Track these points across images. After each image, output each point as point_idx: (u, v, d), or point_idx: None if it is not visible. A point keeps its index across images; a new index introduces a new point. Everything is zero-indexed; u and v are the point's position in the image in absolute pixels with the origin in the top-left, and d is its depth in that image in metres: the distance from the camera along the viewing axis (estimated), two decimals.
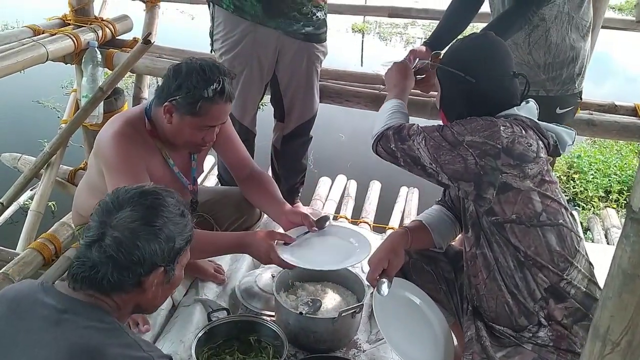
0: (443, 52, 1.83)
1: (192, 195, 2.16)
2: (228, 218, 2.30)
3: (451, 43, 1.78)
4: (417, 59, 2.09)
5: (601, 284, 1.17)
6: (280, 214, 2.10)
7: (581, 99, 2.34)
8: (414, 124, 1.69)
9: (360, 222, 3.02)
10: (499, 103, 1.61)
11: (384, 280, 1.69)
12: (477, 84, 1.59)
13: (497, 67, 1.62)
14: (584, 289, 1.54)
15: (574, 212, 3.33)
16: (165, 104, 1.84)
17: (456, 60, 1.64)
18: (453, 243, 1.97)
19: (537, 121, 1.62)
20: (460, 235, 1.90)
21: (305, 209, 2.77)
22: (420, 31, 8.97)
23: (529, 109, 1.65)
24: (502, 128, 1.51)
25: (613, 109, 2.67)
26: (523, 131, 1.54)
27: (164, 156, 1.99)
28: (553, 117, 2.26)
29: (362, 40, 8.63)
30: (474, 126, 1.53)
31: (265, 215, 2.38)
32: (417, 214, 2.57)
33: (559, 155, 1.69)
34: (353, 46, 8.31)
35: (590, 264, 1.61)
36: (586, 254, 1.61)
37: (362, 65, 7.26)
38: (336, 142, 4.90)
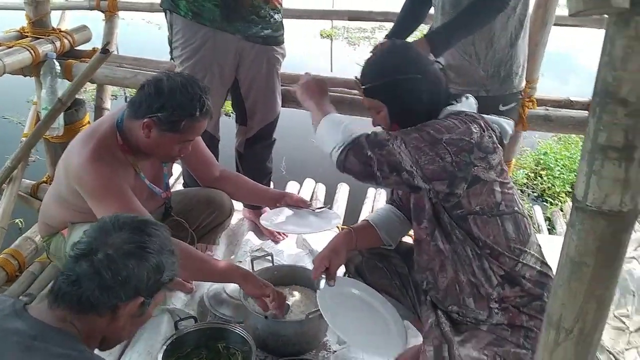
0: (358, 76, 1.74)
1: (166, 202, 2.16)
2: (200, 215, 2.31)
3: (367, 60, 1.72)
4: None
5: None
6: (270, 198, 2.29)
7: (522, 97, 2.40)
8: (383, 131, 1.65)
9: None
10: (444, 95, 1.65)
11: (322, 277, 1.77)
12: (422, 78, 1.60)
13: (425, 60, 1.65)
14: (537, 272, 1.61)
15: (536, 207, 3.40)
16: (145, 120, 1.83)
17: (388, 70, 1.62)
18: (405, 239, 2.01)
19: (482, 115, 1.66)
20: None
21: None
22: None
23: (469, 105, 1.69)
24: (472, 125, 1.55)
25: (569, 104, 2.72)
26: (481, 124, 1.59)
27: (136, 170, 1.98)
28: (497, 115, 2.31)
29: (331, 46, 8.65)
30: (448, 124, 1.55)
31: (235, 217, 2.39)
32: None
33: (504, 147, 1.71)
34: (323, 52, 8.33)
35: (539, 246, 1.68)
36: (536, 238, 1.68)
37: (331, 71, 7.28)
38: (307, 147, 4.90)
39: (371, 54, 1.71)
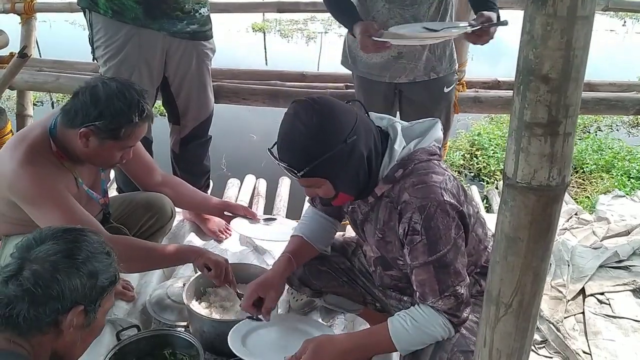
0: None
1: (104, 207, 2.09)
2: (139, 220, 2.23)
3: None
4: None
5: None
6: (215, 208, 2.35)
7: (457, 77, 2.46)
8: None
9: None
10: (377, 137, 1.53)
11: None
12: (356, 138, 1.44)
13: (346, 115, 1.46)
14: None
15: (473, 187, 3.50)
16: (82, 129, 1.75)
17: (318, 149, 1.42)
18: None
19: (427, 130, 1.59)
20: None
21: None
22: (320, 26, 9.06)
23: (398, 138, 1.56)
24: (446, 199, 1.45)
25: (496, 85, 2.82)
26: (446, 173, 1.51)
27: (74, 175, 1.90)
28: (442, 97, 2.35)
29: (264, 39, 8.58)
30: (443, 224, 1.45)
31: (176, 219, 2.36)
32: None
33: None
34: (256, 46, 8.25)
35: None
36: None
37: (266, 64, 7.22)
38: (248, 144, 4.85)
39: (289, 130, 1.46)
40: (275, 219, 2.43)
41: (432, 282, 1.46)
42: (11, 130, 2.94)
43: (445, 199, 1.44)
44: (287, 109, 1.50)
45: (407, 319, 1.49)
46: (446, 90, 2.34)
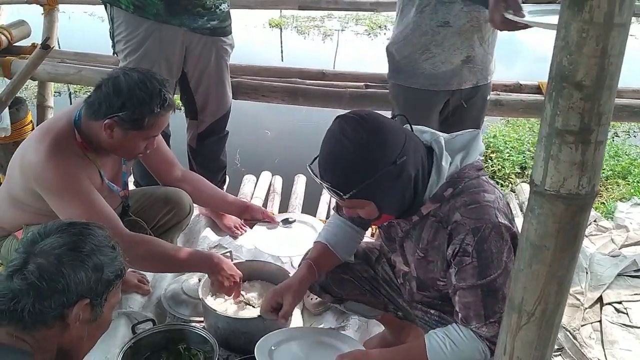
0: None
1: (124, 200, 2.11)
2: (157, 214, 2.25)
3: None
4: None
5: None
6: (233, 208, 2.39)
7: None
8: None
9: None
10: (424, 155, 1.45)
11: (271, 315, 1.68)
12: (405, 159, 1.37)
13: (395, 131, 1.39)
14: None
15: None
16: (107, 120, 1.78)
17: (365, 171, 1.35)
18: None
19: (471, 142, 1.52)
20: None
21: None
22: (337, 23, 9.03)
23: (461, 138, 1.51)
24: (500, 221, 1.39)
25: (518, 88, 2.79)
26: (496, 191, 1.46)
27: (97, 167, 1.92)
28: (487, 102, 2.32)
29: (281, 36, 8.58)
30: (497, 247, 1.40)
31: (194, 215, 2.38)
32: None
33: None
34: (272, 42, 8.25)
35: None
36: None
37: (282, 60, 7.22)
38: (262, 139, 4.86)
39: (335, 149, 1.37)
40: (293, 220, 2.43)
41: (478, 307, 1.40)
42: (31, 121, 2.97)
43: (500, 220, 1.39)
44: (331, 124, 1.41)
45: (447, 341, 1.44)
46: (488, 97, 2.30)
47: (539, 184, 0.87)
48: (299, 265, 1.83)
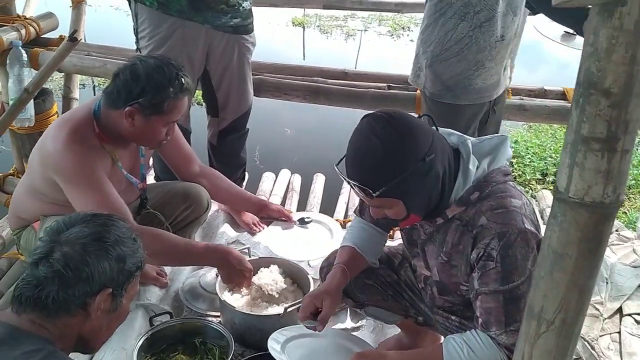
0: None
1: (142, 193, 2.13)
2: (176, 209, 2.27)
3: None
4: None
5: None
6: (251, 205, 2.41)
7: None
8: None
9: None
10: (450, 157, 1.45)
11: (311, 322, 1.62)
12: (433, 157, 1.36)
13: (424, 132, 1.39)
14: None
15: None
16: (127, 108, 1.80)
17: (395, 169, 1.34)
18: None
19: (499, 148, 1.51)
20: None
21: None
22: (360, 23, 9.01)
23: (489, 142, 1.50)
24: (527, 227, 1.38)
25: (543, 93, 2.75)
26: (523, 197, 1.45)
27: (113, 159, 1.94)
28: (504, 108, 2.33)
29: (303, 34, 8.59)
30: (522, 254, 1.38)
31: (210, 210, 2.39)
32: None
33: None
34: (294, 40, 8.26)
35: None
36: None
37: (304, 59, 7.23)
38: (282, 137, 4.87)
39: (364, 147, 1.37)
40: (310, 220, 2.43)
41: (499, 313, 1.39)
42: (57, 112, 3.02)
43: (526, 226, 1.37)
44: (358, 123, 1.41)
45: (465, 347, 1.42)
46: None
47: (562, 191, 0.86)
48: (320, 270, 1.84)
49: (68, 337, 1.22)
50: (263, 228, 2.63)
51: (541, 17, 2.09)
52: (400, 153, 1.34)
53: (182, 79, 1.83)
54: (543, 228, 1.58)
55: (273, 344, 1.63)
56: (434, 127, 1.49)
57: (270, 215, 2.43)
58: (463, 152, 1.46)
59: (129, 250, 1.26)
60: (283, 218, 2.49)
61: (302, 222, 2.57)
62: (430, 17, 2.09)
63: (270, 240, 2.36)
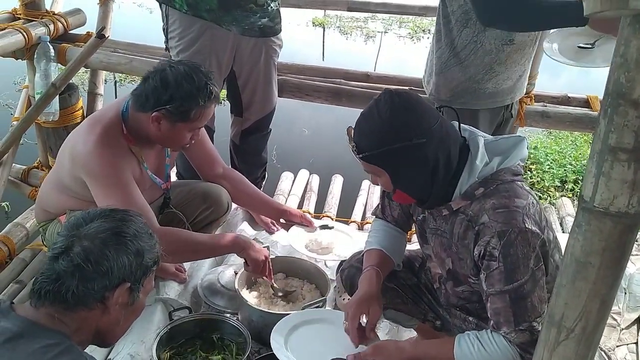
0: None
1: (165, 192, 2.16)
2: (196, 210, 2.29)
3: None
4: None
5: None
6: (272, 211, 2.43)
7: None
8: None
9: (351, 221, 2.98)
10: (454, 151, 1.48)
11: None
12: (426, 142, 1.41)
13: (430, 117, 1.44)
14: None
15: None
16: (154, 113, 1.84)
17: (386, 138, 1.42)
18: None
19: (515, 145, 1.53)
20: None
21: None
22: (380, 25, 9.01)
23: (505, 141, 1.53)
24: (528, 226, 1.39)
25: (566, 100, 2.73)
26: (529, 197, 1.46)
27: (139, 160, 1.98)
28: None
29: (323, 35, 8.60)
30: (523, 253, 1.39)
31: (232, 211, 2.40)
32: None
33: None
34: (314, 40, 8.28)
35: None
36: None
37: (323, 60, 7.25)
38: (299, 137, 4.89)
39: (366, 113, 1.48)
40: (332, 227, 2.43)
41: (508, 313, 1.40)
42: (81, 107, 3.06)
43: (527, 226, 1.39)
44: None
45: (476, 344, 1.44)
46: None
47: (588, 200, 0.86)
48: (341, 272, 1.85)
49: (85, 331, 1.23)
50: (279, 229, 2.63)
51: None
52: (388, 128, 1.42)
53: (210, 88, 1.86)
54: (561, 236, 1.59)
55: (277, 337, 1.68)
56: (455, 122, 1.53)
57: (291, 220, 2.41)
58: (471, 148, 1.50)
59: (147, 245, 1.27)
60: (304, 224, 2.47)
61: (324, 227, 2.51)
62: (437, 24, 2.12)
63: (292, 238, 2.36)
